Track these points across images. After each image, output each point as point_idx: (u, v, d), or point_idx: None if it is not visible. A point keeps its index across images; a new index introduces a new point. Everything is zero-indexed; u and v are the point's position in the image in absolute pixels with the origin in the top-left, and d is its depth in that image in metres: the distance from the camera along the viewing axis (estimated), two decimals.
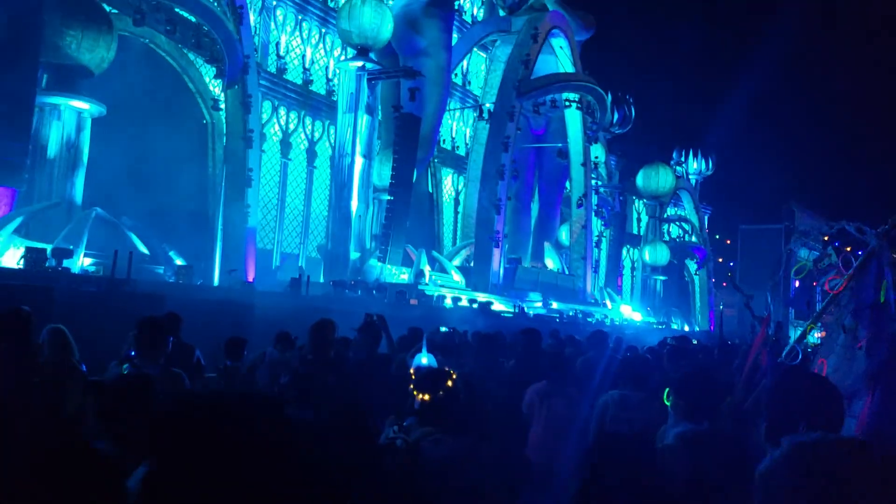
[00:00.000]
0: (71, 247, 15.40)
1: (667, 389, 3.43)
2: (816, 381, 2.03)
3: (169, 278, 16.95)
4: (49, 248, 14.87)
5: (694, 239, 42.03)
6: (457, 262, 26.86)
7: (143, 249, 17.65)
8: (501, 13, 30.09)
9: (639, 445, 2.42)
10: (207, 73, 22.17)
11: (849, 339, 3.26)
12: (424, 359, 4.75)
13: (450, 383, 3.35)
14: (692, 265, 41.93)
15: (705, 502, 2.27)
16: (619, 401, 4.73)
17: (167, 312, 6.94)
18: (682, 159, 42.65)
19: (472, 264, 26.40)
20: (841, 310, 3.55)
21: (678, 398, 3.28)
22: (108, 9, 18.09)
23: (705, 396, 3.27)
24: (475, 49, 30.33)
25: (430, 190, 30.84)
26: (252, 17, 22.53)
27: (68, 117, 17.16)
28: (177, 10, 18.92)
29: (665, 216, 39.63)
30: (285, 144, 25.39)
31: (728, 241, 49.34)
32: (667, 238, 40.14)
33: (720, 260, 46.82)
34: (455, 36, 26.68)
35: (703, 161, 43.20)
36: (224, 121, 21.13)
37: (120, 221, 17.87)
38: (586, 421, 4.86)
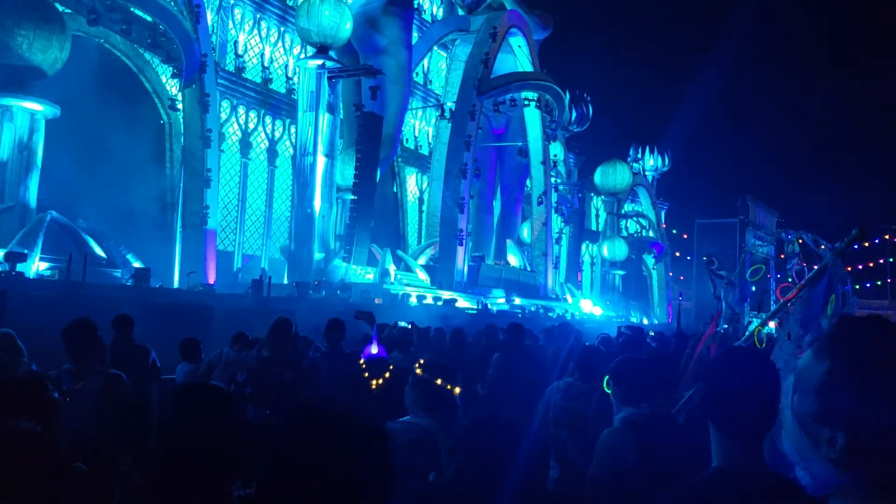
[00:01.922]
0: (25, 251, 15.07)
1: (606, 378, 3.53)
2: (755, 362, 2.14)
3: (126, 281, 16.67)
4: (2, 252, 14.54)
5: (651, 234, 42.82)
6: (422, 260, 26.94)
7: (100, 252, 17.34)
8: (460, 12, 30.23)
9: (511, 429, 2.49)
10: (164, 72, 21.85)
11: (793, 348, 3.37)
12: (375, 348, 4.90)
13: (387, 374, 3.41)
14: (650, 259, 42.70)
15: (654, 483, 2.32)
16: (564, 389, 4.80)
17: (117, 315, 6.92)
18: (639, 156, 43.40)
19: (436, 263, 26.51)
20: (789, 318, 3.65)
21: (616, 385, 3.38)
22: (61, 8, 17.70)
23: (641, 381, 3.35)
24: (435, 48, 30.42)
25: (395, 189, 30.85)
26: (209, 16, 22.26)
27: (21, 119, 16.76)
28: (132, 9, 18.63)
29: (623, 212, 40.27)
30: (245, 144, 25.12)
31: (685, 236, 50.36)
32: (625, 234, 40.80)
33: (677, 254, 47.77)
34: (415, 35, 26.72)
35: (660, 158, 44.03)
36: (182, 121, 20.85)
37: (76, 224, 17.53)
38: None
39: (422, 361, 3.42)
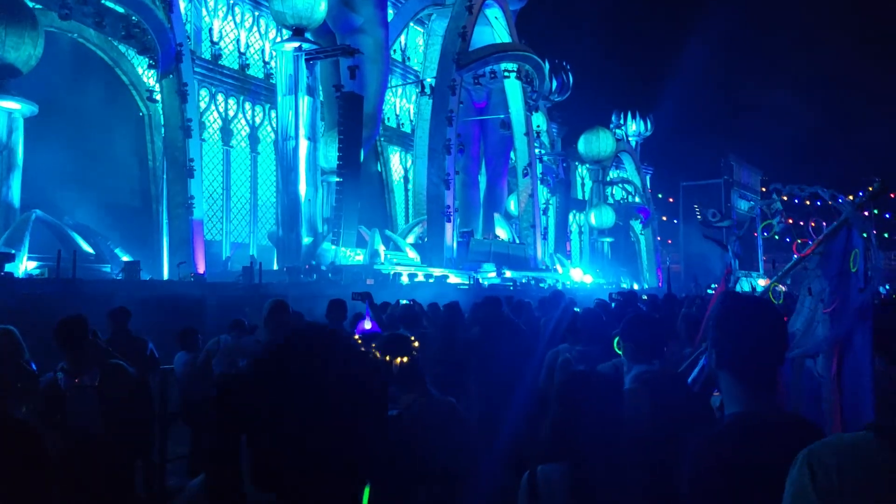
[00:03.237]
0: (13, 251, 15.00)
1: (616, 339, 3.59)
2: (759, 304, 2.18)
3: (116, 276, 16.64)
4: None
5: (637, 199, 42.99)
6: (410, 239, 26.98)
7: (88, 249, 17.29)
8: None
9: (607, 383, 2.62)
10: (140, 64, 21.61)
11: (814, 303, 3.37)
12: (368, 324, 4.96)
13: (416, 344, 3.47)
14: (637, 225, 42.93)
15: (668, 439, 2.35)
16: (569, 351, 4.89)
17: (116, 307, 6.96)
18: (622, 122, 43.43)
19: (425, 240, 26.55)
20: (808, 273, 3.64)
21: (627, 342, 3.43)
22: (31, 4, 17.43)
23: (651, 337, 3.42)
24: (412, 24, 30.17)
25: (379, 169, 30.77)
26: (182, 5, 21.96)
27: None
28: (104, 1, 18.37)
29: (608, 179, 40.40)
30: (226, 132, 24.96)
31: (671, 199, 50.61)
32: (611, 201, 40.96)
33: (664, 218, 48.03)
34: (391, 12, 26.50)
35: (642, 122, 44.08)
36: (161, 112, 20.68)
37: (62, 222, 17.45)
38: (533, 375, 5.03)
39: (412, 339, 3.51)
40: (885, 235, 51.78)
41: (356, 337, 4.84)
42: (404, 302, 7.87)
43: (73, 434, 4.32)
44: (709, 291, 21.06)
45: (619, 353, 3.55)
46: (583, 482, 2.30)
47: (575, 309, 8.18)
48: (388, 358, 3.28)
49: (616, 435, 2.42)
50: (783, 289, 4.18)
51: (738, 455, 1.86)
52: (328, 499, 1.15)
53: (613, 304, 8.43)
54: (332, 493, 1.15)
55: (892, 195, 52.48)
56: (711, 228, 39.42)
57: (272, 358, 1.23)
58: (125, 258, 17.94)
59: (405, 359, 3.26)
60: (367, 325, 4.98)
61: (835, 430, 2.58)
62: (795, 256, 4.01)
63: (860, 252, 3.36)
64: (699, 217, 41.57)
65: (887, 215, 52.25)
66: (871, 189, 3.58)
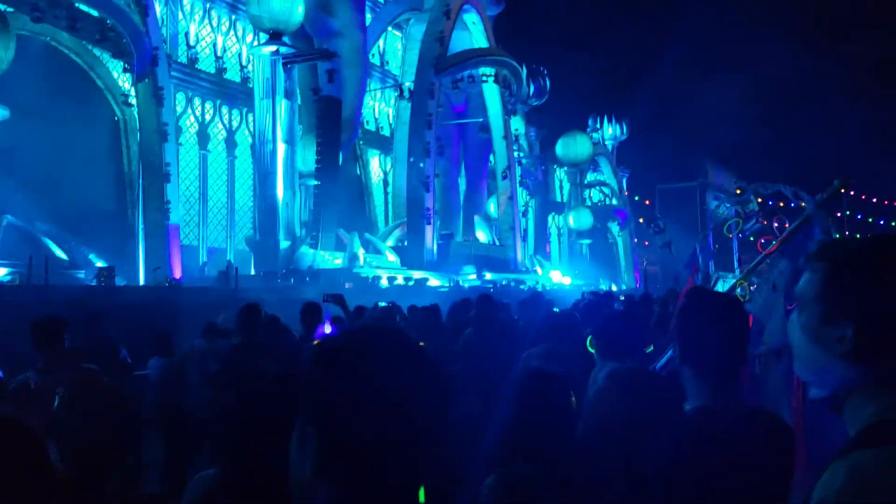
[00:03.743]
0: None
1: (589, 337, 3.66)
2: (723, 301, 2.22)
3: (90, 282, 16.45)
4: None
5: (615, 202, 43.33)
6: (390, 242, 26.95)
7: (61, 254, 17.08)
8: None
9: (563, 382, 2.63)
10: (115, 68, 21.39)
11: (778, 298, 3.43)
12: (328, 328, 4.93)
13: None
14: (615, 227, 43.26)
15: (641, 437, 2.43)
16: (542, 354, 4.83)
17: (87, 313, 6.90)
18: (598, 126, 43.75)
19: (405, 243, 26.54)
20: (773, 270, 3.70)
21: (599, 340, 3.49)
22: (2, 7, 17.22)
23: (623, 335, 3.46)
24: (390, 28, 30.18)
25: (358, 172, 30.73)
26: (158, 8, 21.78)
27: None
28: (77, 4, 18.16)
29: (586, 182, 40.69)
30: (203, 136, 24.78)
31: (647, 202, 51.03)
32: (589, 203, 41.26)
33: (641, 220, 48.44)
34: (368, 16, 26.50)
35: (618, 126, 44.43)
36: (136, 116, 20.49)
37: (34, 227, 17.23)
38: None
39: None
40: (857, 236, 52.64)
41: (316, 342, 4.78)
42: (383, 304, 7.88)
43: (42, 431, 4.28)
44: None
45: (592, 351, 3.59)
46: (538, 481, 2.33)
47: (554, 310, 8.25)
48: None
49: (566, 431, 2.44)
50: (749, 286, 4.28)
51: (697, 449, 1.90)
52: (394, 490, 1.16)
53: (583, 304, 8.52)
54: (399, 485, 1.16)
55: (863, 196, 53.40)
56: (661, 235, 39.92)
57: (348, 347, 1.22)
58: (99, 264, 17.73)
59: None
60: (328, 329, 4.94)
61: (796, 424, 2.63)
62: (761, 253, 4.09)
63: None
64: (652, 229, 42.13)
65: (859, 216, 53.17)
66: (833, 185, 3.67)
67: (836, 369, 1.23)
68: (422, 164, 26.60)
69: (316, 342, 4.07)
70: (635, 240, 44.88)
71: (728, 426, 1.90)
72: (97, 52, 21.10)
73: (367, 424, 1.12)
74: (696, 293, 2.33)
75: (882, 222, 52.77)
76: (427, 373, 1.20)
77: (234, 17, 25.82)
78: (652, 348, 4.05)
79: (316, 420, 1.15)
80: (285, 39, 21.30)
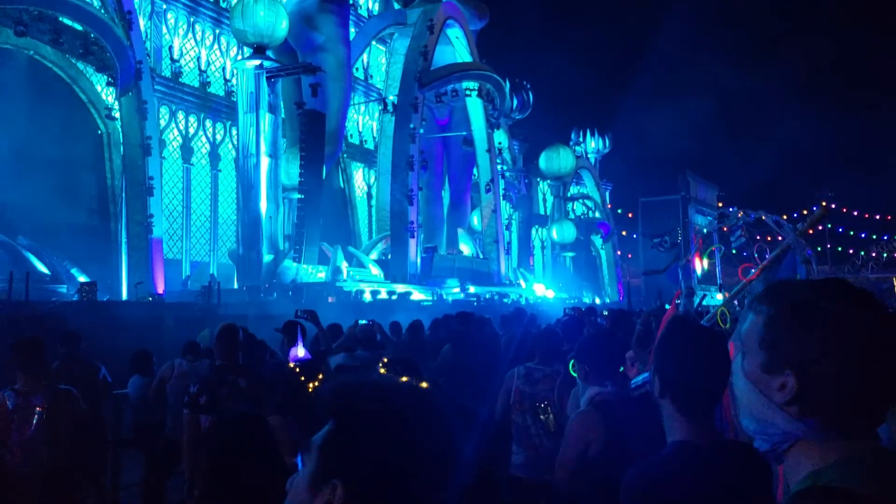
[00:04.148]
0: None
1: (571, 361, 3.59)
2: (703, 333, 2.13)
3: (72, 297, 16.35)
4: None
5: (597, 215, 43.62)
6: (374, 255, 26.98)
7: (43, 269, 16.99)
8: (396, 6, 30.26)
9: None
10: (99, 81, 21.36)
11: None
12: (301, 351, 4.88)
13: (321, 376, 3.43)
14: (598, 240, 43.51)
15: (621, 463, 2.30)
16: (525, 374, 4.78)
17: (66, 332, 6.90)
18: (581, 140, 44.10)
19: (389, 256, 26.59)
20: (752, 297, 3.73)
21: (581, 363, 3.38)
22: None
23: (604, 357, 3.36)
24: (374, 43, 30.36)
25: (342, 186, 30.77)
26: (142, 22, 21.83)
27: None
28: (61, 18, 18.13)
29: (569, 195, 40.92)
30: (186, 149, 24.76)
31: (630, 215, 51.41)
32: (572, 216, 41.49)
33: (623, 233, 48.76)
34: (353, 30, 26.64)
35: (601, 140, 44.81)
36: (120, 129, 20.45)
37: (15, 242, 17.12)
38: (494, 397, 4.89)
39: (385, 360, 3.52)
40: (839, 249, 53.27)
41: (291, 365, 4.72)
42: (363, 322, 7.90)
43: (18, 454, 4.31)
44: (667, 306, 21.46)
45: (574, 375, 3.53)
46: None
47: (537, 324, 8.31)
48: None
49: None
50: (729, 314, 4.33)
51: (675, 486, 1.87)
52: None
53: (565, 319, 8.53)
54: None
55: (843, 209, 54.06)
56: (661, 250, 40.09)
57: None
58: (82, 278, 17.64)
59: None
60: (301, 352, 4.86)
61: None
62: (742, 281, 4.15)
63: (802, 278, 3.48)
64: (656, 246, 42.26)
65: (840, 230, 53.84)
66: (813, 213, 3.77)
67: (778, 420, 1.18)
68: (406, 178, 26.71)
69: (318, 378, 4.08)
70: (618, 252, 45.17)
71: (708, 463, 1.88)
72: (81, 65, 21.07)
73: (397, 487, 1.13)
74: (675, 325, 2.29)
75: (864, 235, 53.43)
76: (452, 437, 1.21)
77: (218, 31, 25.88)
78: (622, 369, 4.07)
79: (344, 476, 1.13)
80: (269, 53, 21.40)
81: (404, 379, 1.45)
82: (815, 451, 1.16)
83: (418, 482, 1.14)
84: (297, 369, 3.91)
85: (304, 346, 4.92)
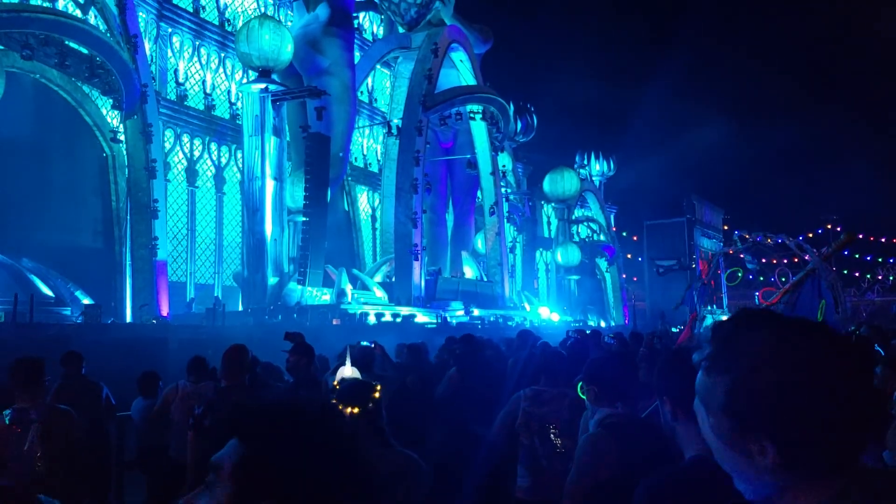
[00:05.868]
0: None
1: (579, 383, 3.49)
2: None
3: (77, 319, 16.28)
4: None
5: (602, 237, 43.53)
6: (378, 278, 26.90)
7: (47, 292, 16.93)
8: (401, 30, 30.45)
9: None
10: (104, 104, 21.47)
11: None
12: (349, 371, 4.77)
13: (376, 395, 3.31)
14: (603, 263, 43.40)
15: (634, 484, 2.29)
16: (532, 396, 4.71)
17: (68, 352, 6.82)
18: (585, 162, 44.20)
19: (393, 279, 26.50)
20: None
21: (590, 385, 3.33)
22: None
23: (615, 380, 3.31)
24: (379, 66, 30.55)
25: (346, 208, 30.80)
26: (147, 45, 21.99)
27: None
28: (67, 42, 18.27)
29: (573, 218, 40.89)
30: (191, 172, 24.81)
31: (635, 238, 51.32)
32: (577, 239, 41.41)
33: (629, 256, 48.63)
34: (357, 54, 26.82)
35: (605, 162, 44.90)
36: (125, 152, 20.50)
37: (20, 264, 17.09)
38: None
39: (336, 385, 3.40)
40: (845, 272, 53.07)
41: (335, 384, 4.60)
42: (364, 343, 7.74)
43: (14, 472, 4.23)
44: (673, 329, 21.27)
45: (583, 397, 3.46)
46: None
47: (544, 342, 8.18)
48: (342, 407, 3.17)
49: None
50: None
51: (690, 497, 1.86)
52: None
53: (569, 342, 8.41)
54: None
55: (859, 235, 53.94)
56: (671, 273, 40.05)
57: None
58: (86, 301, 17.58)
59: (356, 409, 3.15)
60: (349, 372, 4.73)
61: None
62: (762, 305, 4.08)
63: (829, 303, 3.41)
64: (660, 271, 42.19)
65: (845, 252, 53.66)
66: (838, 240, 3.72)
67: (765, 477, 1.13)
68: (410, 200, 26.72)
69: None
70: (623, 275, 45.03)
71: (726, 477, 1.89)
72: (86, 88, 21.19)
73: (319, 493, 1.23)
74: (680, 354, 2.28)
75: (869, 258, 53.27)
76: (351, 441, 1.37)
77: (223, 54, 26.07)
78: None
79: (276, 497, 1.21)
80: (274, 77, 21.52)
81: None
82: (809, 492, 1.12)
83: (333, 486, 1.22)
84: (337, 388, 3.76)
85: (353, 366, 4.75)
